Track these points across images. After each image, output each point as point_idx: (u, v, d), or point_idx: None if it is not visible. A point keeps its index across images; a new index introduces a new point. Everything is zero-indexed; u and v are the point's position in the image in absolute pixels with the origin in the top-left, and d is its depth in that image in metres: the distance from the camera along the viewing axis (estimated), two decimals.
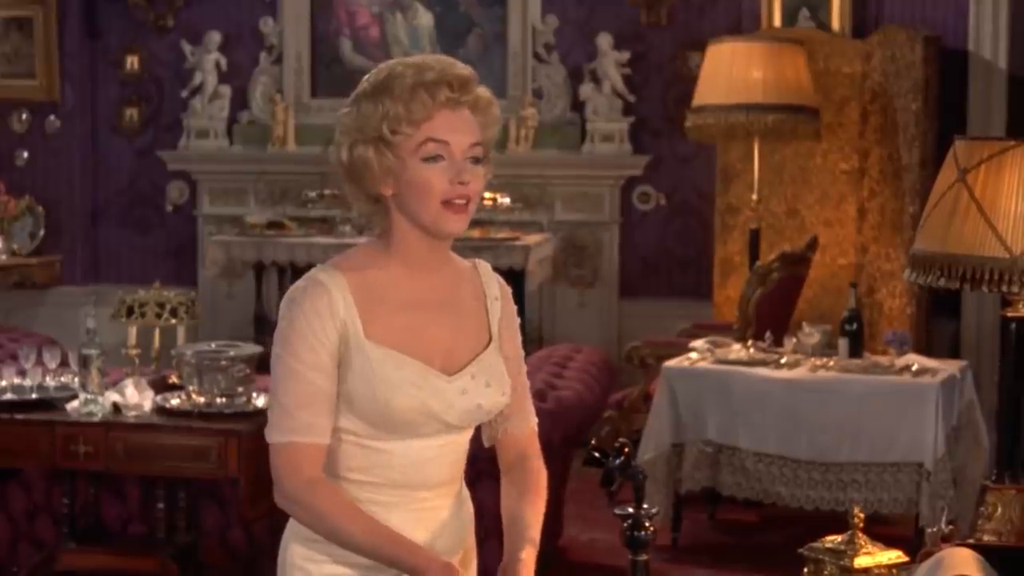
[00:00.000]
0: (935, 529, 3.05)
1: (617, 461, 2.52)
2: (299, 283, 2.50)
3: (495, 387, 2.55)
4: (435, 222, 2.46)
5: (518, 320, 2.67)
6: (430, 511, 2.54)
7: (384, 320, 2.47)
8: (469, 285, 2.61)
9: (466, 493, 2.66)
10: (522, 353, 2.67)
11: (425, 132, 2.43)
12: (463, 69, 2.47)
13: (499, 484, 2.67)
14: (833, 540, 2.97)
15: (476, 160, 2.47)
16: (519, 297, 8.47)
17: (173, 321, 5.50)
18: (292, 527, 2.57)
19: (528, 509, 2.59)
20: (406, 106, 2.42)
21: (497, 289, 2.64)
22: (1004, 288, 3.11)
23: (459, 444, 2.57)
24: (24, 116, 9.15)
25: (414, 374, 2.46)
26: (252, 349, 5.05)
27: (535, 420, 2.70)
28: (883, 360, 5.92)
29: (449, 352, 2.52)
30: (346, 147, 2.48)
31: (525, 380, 2.68)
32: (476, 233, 7.97)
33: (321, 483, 2.46)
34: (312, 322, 2.44)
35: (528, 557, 2.52)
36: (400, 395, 2.45)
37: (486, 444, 2.69)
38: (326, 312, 2.44)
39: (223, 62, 8.95)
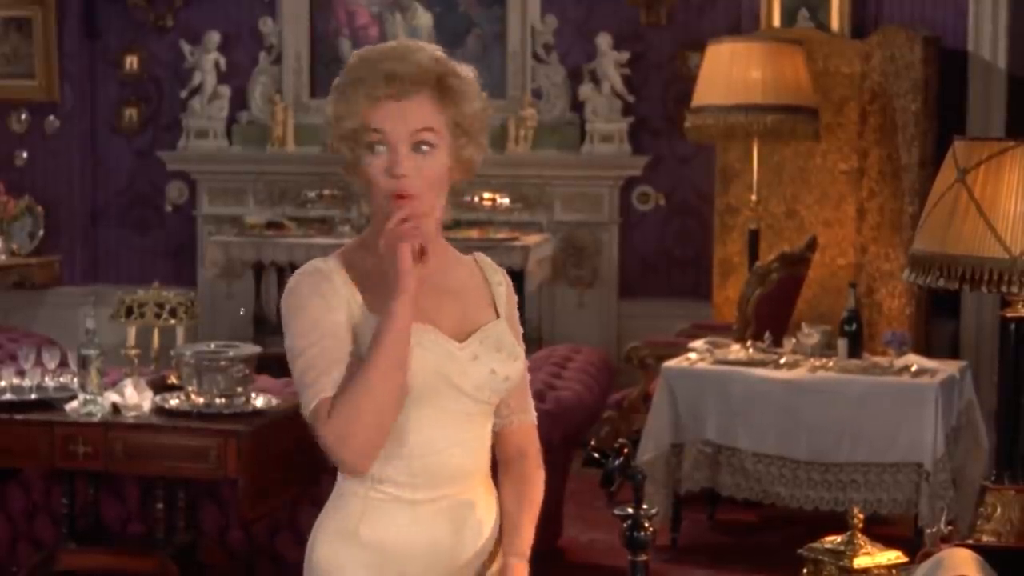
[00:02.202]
0: (934, 529, 3.05)
1: (616, 461, 2.52)
2: (295, 273, 2.50)
3: (505, 352, 2.54)
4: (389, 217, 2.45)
5: (518, 314, 2.67)
6: (457, 508, 2.52)
7: (386, 295, 2.43)
8: (469, 274, 2.61)
9: (495, 494, 2.62)
10: (523, 346, 2.66)
11: (368, 123, 2.45)
12: (410, 66, 2.43)
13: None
14: (832, 540, 2.98)
15: (428, 145, 2.44)
16: (518, 298, 8.49)
17: (172, 321, 5.50)
18: (320, 524, 2.55)
19: (525, 519, 2.59)
20: (347, 105, 2.47)
21: (500, 276, 2.65)
22: (1003, 288, 3.12)
23: (479, 429, 2.54)
24: (23, 116, 9.15)
25: (423, 337, 2.45)
26: (251, 349, 5.04)
27: (535, 415, 2.70)
28: (882, 360, 5.92)
29: (456, 322, 2.52)
30: (328, 137, 2.53)
31: (527, 373, 2.67)
32: (475, 233, 7.97)
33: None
34: (312, 299, 2.43)
35: (519, 570, 2.53)
36: (412, 358, 2.42)
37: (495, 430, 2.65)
38: (327, 289, 2.44)
39: (222, 62, 8.95)
